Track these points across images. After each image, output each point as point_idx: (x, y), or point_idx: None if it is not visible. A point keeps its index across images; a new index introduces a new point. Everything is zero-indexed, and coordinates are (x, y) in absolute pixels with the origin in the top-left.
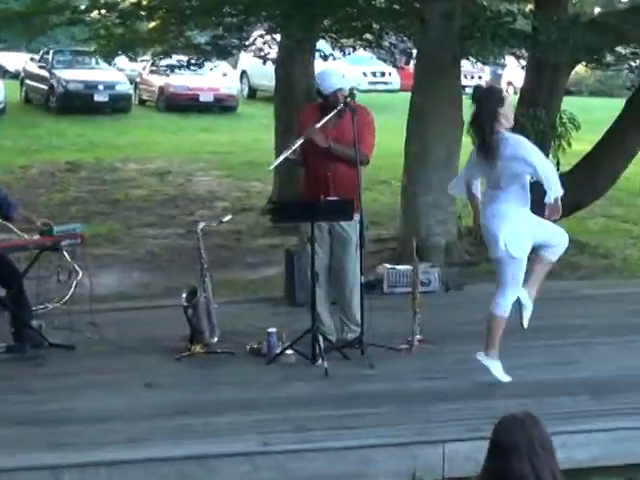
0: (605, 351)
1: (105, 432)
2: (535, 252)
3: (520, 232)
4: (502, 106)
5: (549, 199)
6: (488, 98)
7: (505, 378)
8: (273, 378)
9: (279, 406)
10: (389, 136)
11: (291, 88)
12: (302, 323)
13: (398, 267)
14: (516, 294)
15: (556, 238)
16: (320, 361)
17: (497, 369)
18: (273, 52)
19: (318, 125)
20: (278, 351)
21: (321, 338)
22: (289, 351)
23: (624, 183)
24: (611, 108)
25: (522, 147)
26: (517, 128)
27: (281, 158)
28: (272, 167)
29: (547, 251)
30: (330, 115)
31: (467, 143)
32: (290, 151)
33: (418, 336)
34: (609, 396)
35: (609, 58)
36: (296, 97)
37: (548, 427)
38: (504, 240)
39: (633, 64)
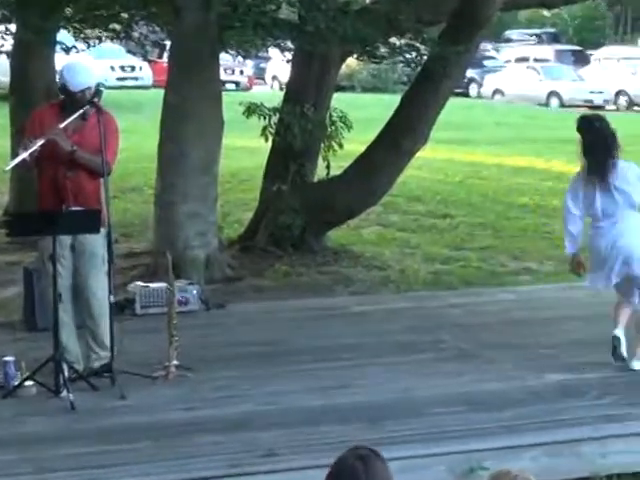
0: (381, 373)
1: None
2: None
3: None
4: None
5: None
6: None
7: None
8: (11, 413)
9: (17, 445)
10: (140, 138)
11: (29, 85)
12: (44, 350)
13: (152, 285)
14: None
15: None
16: (65, 393)
17: None
18: (8, 44)
19: (62, 125)
20: (16, 382)
21: (66, 367)
22: (29, 382)
23: (401, 188)
24: (386, 105)
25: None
26: (282, 127)
27: (19, 159)
28: (9, 168)
29: None
30: (74, 116)
31: (228, 145)
32: (29, 152)
33: (175, 361)
34: (387, 422)
35: (383, 50)
36: (34, 95)
37: (321, 459)
38: None
39: (408, 56)
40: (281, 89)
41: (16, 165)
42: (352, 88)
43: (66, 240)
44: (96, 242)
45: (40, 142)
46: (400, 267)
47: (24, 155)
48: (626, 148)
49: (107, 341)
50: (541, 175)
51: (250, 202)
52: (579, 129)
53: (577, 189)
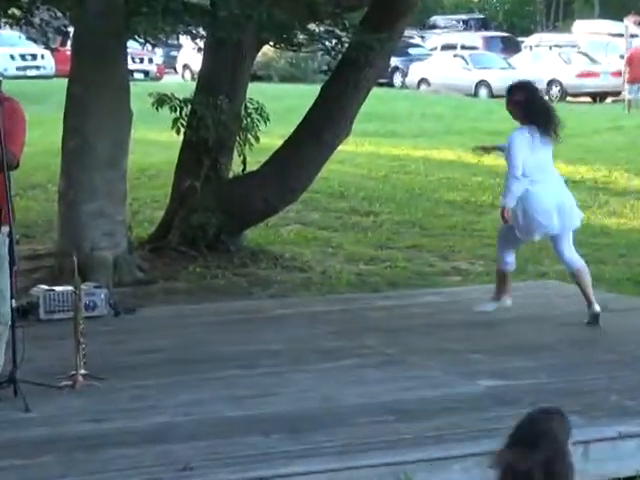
0: (302, 381)
1: None
2: None
3: None
4: None
5: None
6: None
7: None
8: None
9: None
10: (43, 131)
11: None
12: None
13: (57, 288)
14: None
15: None
16: None
17: None
18: None
19: None
20: None
21: None
22: None
23: (321, 184)
24: (305, 96)
25: None
26: (195, 119)
27: None
28: None
29: None
30: None
31: (137, 139)
32: None
33: (83, 370)
34: (310, 433)
35: (301, 37)
36: None
37: (240, 472)
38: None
39: (328, 44)
40: (193, 79)
41: None
42: (269, 78)
43: None
44: (2, 242)
45: None
46: (322, 268)
47: None
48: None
49: (3, 352)
50: (470, 169)
51: (161, 199)
52: (519, 91)
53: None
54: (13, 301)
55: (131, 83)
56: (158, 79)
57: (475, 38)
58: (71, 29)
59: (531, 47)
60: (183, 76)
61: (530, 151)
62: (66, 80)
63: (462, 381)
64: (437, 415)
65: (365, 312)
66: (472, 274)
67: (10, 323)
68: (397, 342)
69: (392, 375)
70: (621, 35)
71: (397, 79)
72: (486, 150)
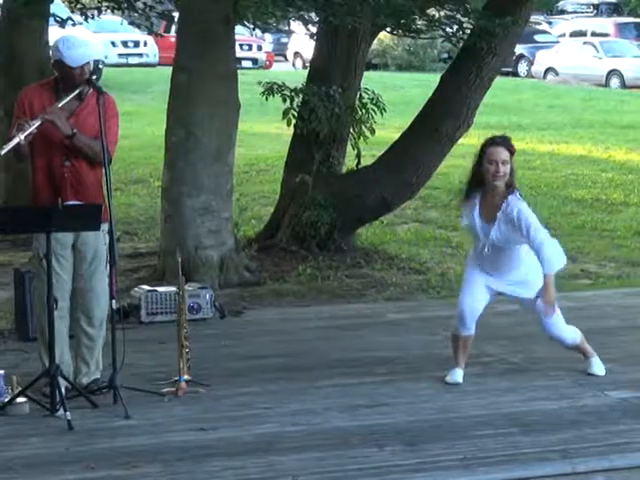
0: (419, 390)
1: None
2: None
3: None
4: None
5: None
6: None
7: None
8: (0, 434)
9: (9, 470)
10: (145, 123)
11: (19, 62)
12: (38, 362)
13: (160, 289)
14: None
15: None
16: (61, 411)
17: None
18: None
19: (60, 104)
20: (6, 399)
21: (62, 381)
22: (21, 399)
23: (441, 180)
24: (423, 85)
25: None
26: (306, 110)
27: (14, 142)
28: (4, 152)
29: None
30: (72, 95)
31: (245, 131)
32: (25, 134)
33: (186, 376)
34: (426, 446)
35: (419, 23)
36: (26, 74)
37: None
38: None
39: (449, 30)
40: (304, 67)
41: (9, 152)
42: (385, 66)
43: (67, 238)
44: (98, 240)
45: (37, 123)
46: (441, 270)
47: (20, 137)
48: None
49: (100, 355)
50: (600, 165)
51: (270, 195)
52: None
53: None
54: (114, 302)
55: (239, 72)
56: (267, 67)
57: (607, 24)
58: (176, 14)
59: None
60: (294, 64)
61: None
62: (170, 68)
63: (591, 392)
64: (563, 428)
65: (487, 318)
66: (602, 277)
67: (107, 326)
68: (521, 350)
69: (516, 385)
70: None
71: (522, 68)
72: None
